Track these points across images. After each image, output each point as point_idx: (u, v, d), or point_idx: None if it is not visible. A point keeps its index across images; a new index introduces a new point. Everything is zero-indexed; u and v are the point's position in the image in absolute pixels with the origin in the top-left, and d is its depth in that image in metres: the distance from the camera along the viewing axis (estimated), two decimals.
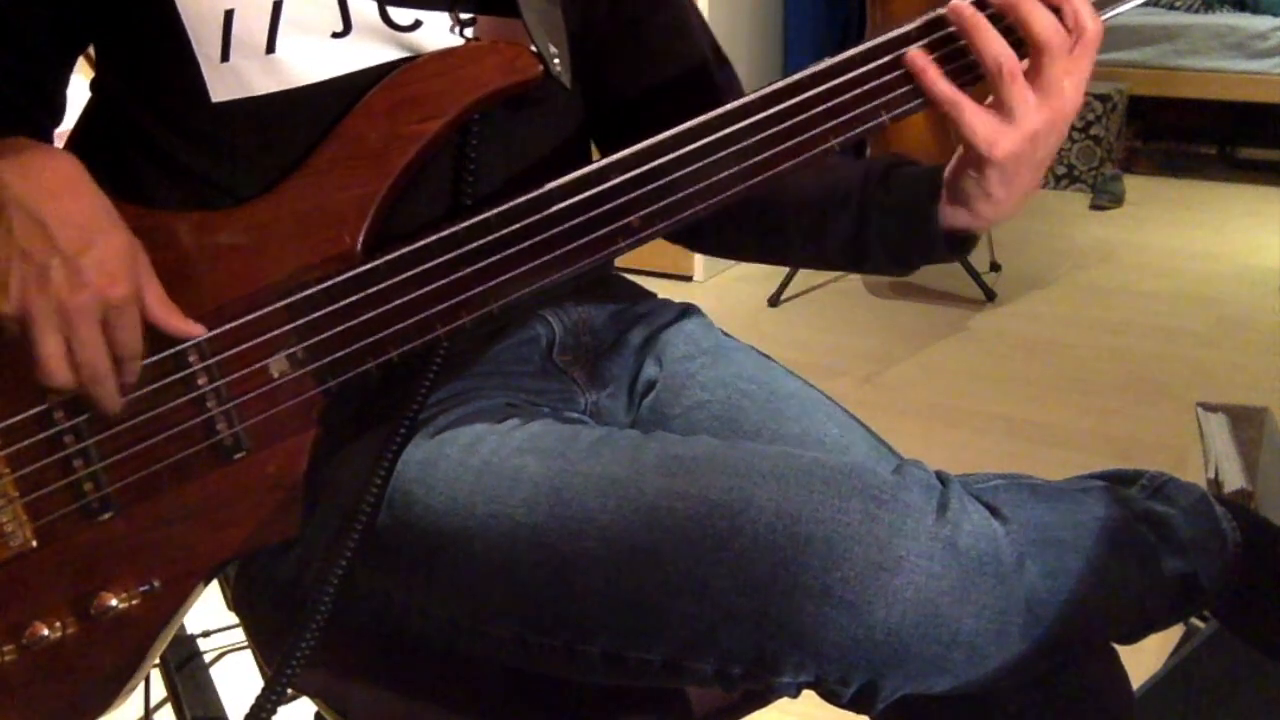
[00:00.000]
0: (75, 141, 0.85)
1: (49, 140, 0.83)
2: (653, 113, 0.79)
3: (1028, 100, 0.71)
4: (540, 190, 0.75)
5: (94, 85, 0.84)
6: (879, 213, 0.83)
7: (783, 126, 0.75)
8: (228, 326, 0.74)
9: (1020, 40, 0.72)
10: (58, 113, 0.84)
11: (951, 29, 0.73)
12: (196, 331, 0.74)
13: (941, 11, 0.73)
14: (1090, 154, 4.14)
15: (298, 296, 0.75)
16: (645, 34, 0.92)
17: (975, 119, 0.72)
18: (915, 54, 0.73)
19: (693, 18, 0.95)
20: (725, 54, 0.96)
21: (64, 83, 0.84)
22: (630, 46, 0.92)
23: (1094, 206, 4.01)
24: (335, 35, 0.76)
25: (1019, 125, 0.72)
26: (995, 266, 3.27)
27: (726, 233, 0.93)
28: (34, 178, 0.70)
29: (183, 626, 1.02)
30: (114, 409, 0.73)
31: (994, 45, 0.71)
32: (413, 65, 0.77)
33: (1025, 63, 0.72)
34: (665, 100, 0.92)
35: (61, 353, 0.70)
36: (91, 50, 0.83)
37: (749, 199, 0.76)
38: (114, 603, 0.74)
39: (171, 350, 0.74)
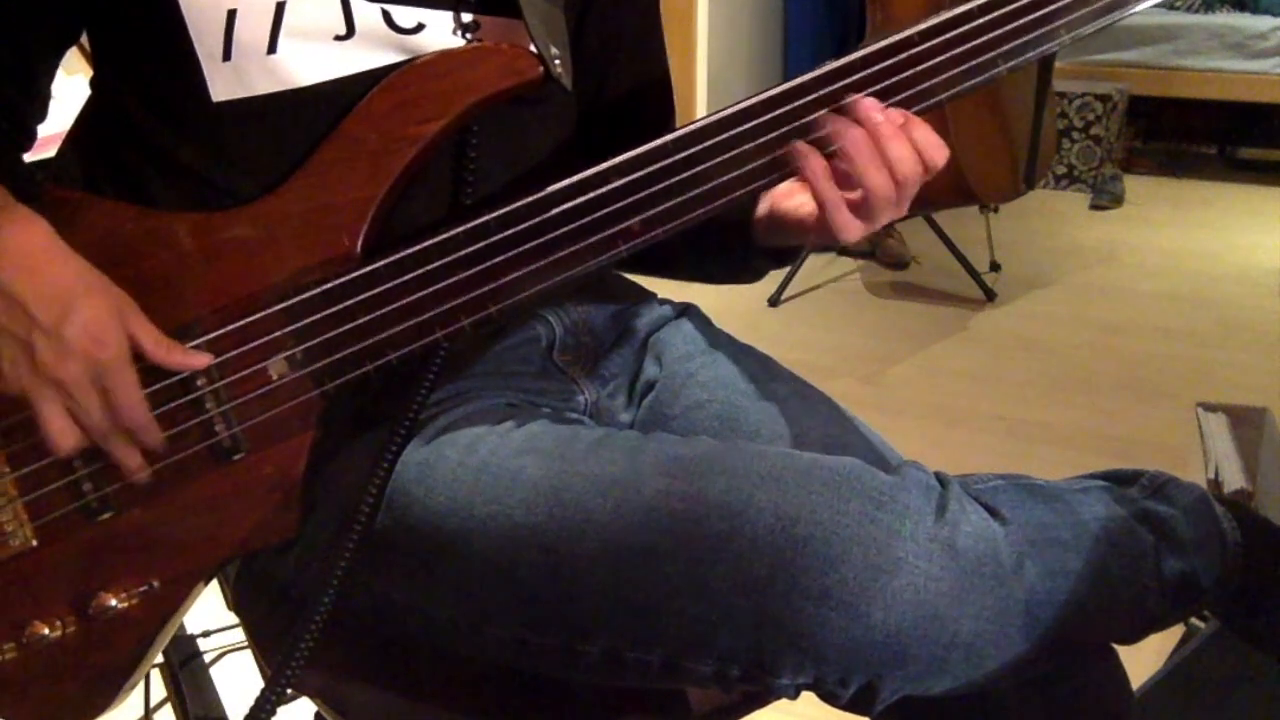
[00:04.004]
0: (75, 141, 0.85)
1: (33, 137, 0.82)
2: (612, 124, 0.80)
3: (892, 211, 0.75)
4: (541, 193, 0.75)
5: (94, 84, 0.84)
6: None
7: (785, 130, 0.74)
8: (227, 329, 0.74)
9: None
10: (42, 108, 0.83)
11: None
12: (201, 363, 0.74)
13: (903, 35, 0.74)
14: (1090, 154, 4.14)
15: (297, 299, 0.75)
16: (623, 49, 0.94)
17: (840, 218, 0.75)
18: (808, 156, 0.74)
19: (659, 42, 0.98)
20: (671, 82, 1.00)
21: (51, 77, 0.83)
22: (607, 59, 0.93)
23: (1094, 206, 4.01)
24: (338, 38, 0.76)
25: (874, 225, 0.76)
26: (995, 266, 3.27)
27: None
28: (4, 254, 0.69)
29: (183, 626, 1.02)
30: (135, 464, 0.73)
31: (875, 177, 0.73)
32: (412, 66, 0.77)
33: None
34: (626, 114, 0.95)
35: (66, 422, 0.70)
36: (91, 49, 0.83)
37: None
38: (113, 602, 0.74)
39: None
